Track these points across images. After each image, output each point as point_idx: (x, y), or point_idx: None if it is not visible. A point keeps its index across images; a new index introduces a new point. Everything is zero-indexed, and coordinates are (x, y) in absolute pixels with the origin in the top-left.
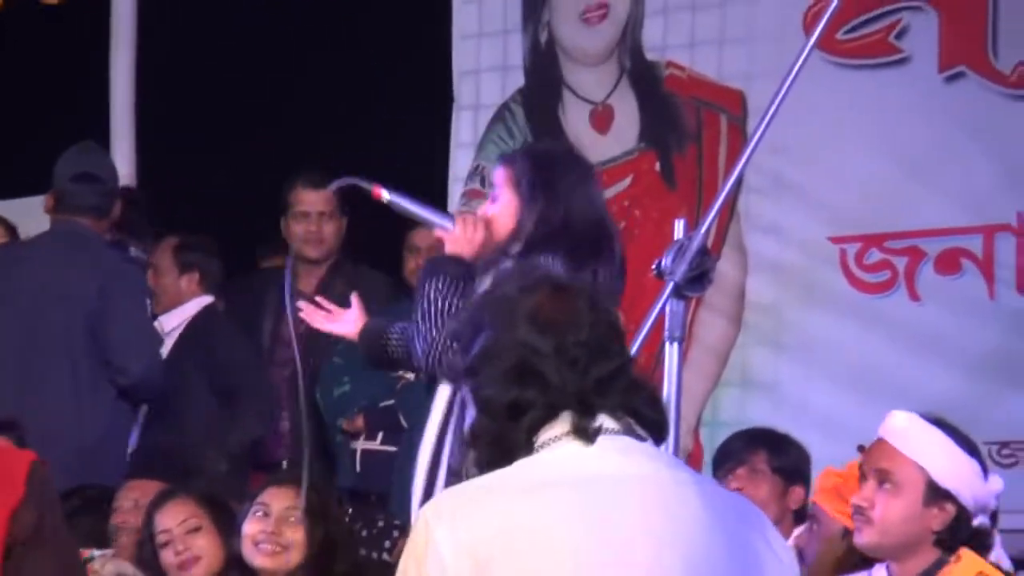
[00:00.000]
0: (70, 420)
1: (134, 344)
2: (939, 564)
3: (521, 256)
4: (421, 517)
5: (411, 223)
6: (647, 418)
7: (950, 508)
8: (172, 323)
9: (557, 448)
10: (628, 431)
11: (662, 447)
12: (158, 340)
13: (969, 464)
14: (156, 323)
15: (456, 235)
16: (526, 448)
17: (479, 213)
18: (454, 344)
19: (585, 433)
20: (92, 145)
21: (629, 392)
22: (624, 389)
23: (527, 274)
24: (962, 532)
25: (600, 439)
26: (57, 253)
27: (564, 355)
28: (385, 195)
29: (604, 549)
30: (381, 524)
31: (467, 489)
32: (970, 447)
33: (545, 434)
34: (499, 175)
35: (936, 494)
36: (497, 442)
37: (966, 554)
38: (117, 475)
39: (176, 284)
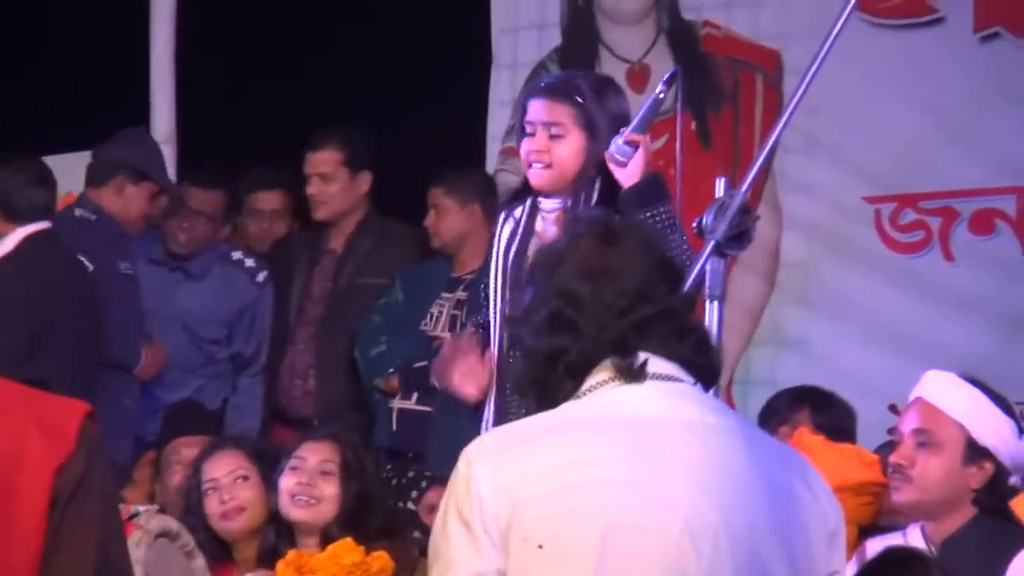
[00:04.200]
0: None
1: None
2: (975, 521)
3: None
4: (463, 456)
5: (434, 178)
6: (694, 362)
7: (988, 466)
8: None
9: (603, 392)
10: (675, 376)
11: (711, 392)
12: None
13: (1007, 423)
14: None
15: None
16: (572, 393)
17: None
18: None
19: (628, 373)
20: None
21: (673, 336)
22: (668, 332)
23: (579, 223)
24: (1000, 490)
25: (648, 382)
26: None
27: (600, 302)
28: None
29: (643, 492)
30: (411, 475)
31: (510, 430)
32: (1006, 407)
33: (591, 380)
34: (558, 110)
35: (975, 452)
36: (541, 388)
37: None
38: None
39: None
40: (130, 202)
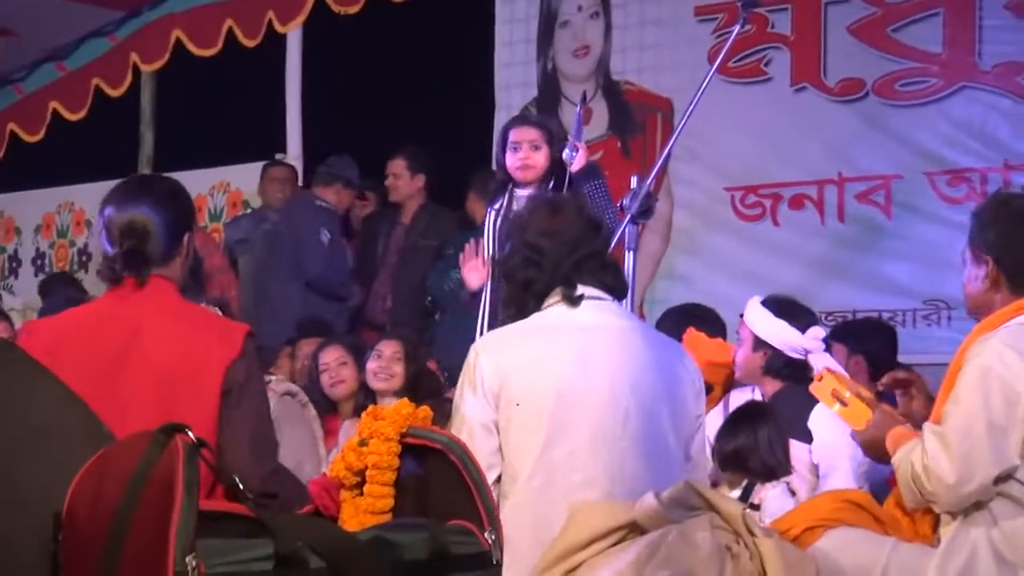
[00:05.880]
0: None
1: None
2: (787, 387)
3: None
4: (472, 349)
5: (472, 180)
6: (611, 285)
7: (767, 352)
8: None
9: (556, 309)
10: (600, 296)
11: (623, 303)
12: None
13: (778, 324)
14: None
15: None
16: (535, 309)
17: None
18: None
19: (569, 299)
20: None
21: (599, 269)
22: (596, 267)
23: (537, 199)
24: (778, 364)
25: (584, 302)
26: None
27: (553, 250)
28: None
29: (581, 371)
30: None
31: (501, 332)
32: (780, 312)
33: (548, 301)
34: (535, 133)
35: (759, 343)
36: (517, 305)
37: (827, 374)
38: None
39: None
40: (342, 199)
